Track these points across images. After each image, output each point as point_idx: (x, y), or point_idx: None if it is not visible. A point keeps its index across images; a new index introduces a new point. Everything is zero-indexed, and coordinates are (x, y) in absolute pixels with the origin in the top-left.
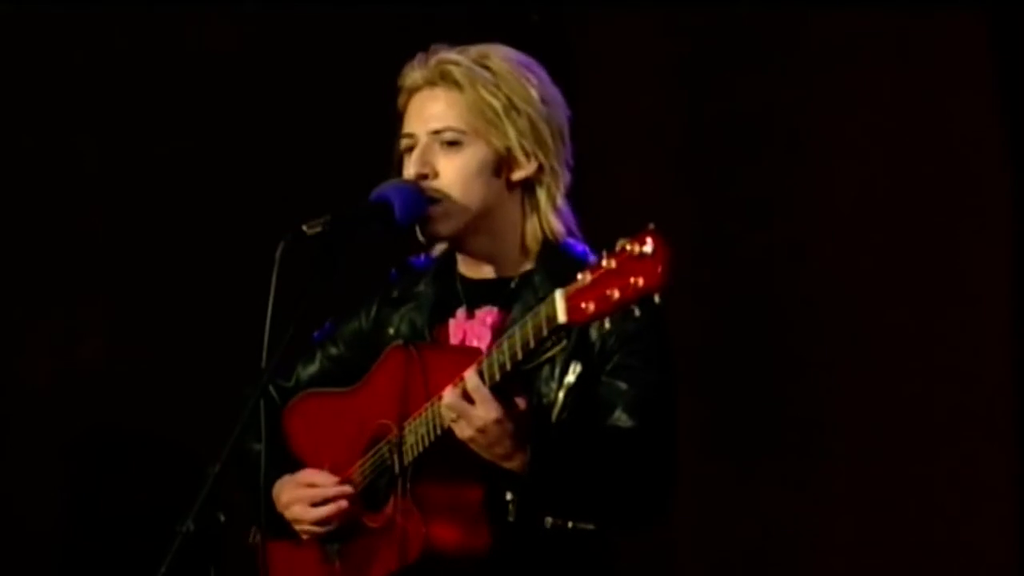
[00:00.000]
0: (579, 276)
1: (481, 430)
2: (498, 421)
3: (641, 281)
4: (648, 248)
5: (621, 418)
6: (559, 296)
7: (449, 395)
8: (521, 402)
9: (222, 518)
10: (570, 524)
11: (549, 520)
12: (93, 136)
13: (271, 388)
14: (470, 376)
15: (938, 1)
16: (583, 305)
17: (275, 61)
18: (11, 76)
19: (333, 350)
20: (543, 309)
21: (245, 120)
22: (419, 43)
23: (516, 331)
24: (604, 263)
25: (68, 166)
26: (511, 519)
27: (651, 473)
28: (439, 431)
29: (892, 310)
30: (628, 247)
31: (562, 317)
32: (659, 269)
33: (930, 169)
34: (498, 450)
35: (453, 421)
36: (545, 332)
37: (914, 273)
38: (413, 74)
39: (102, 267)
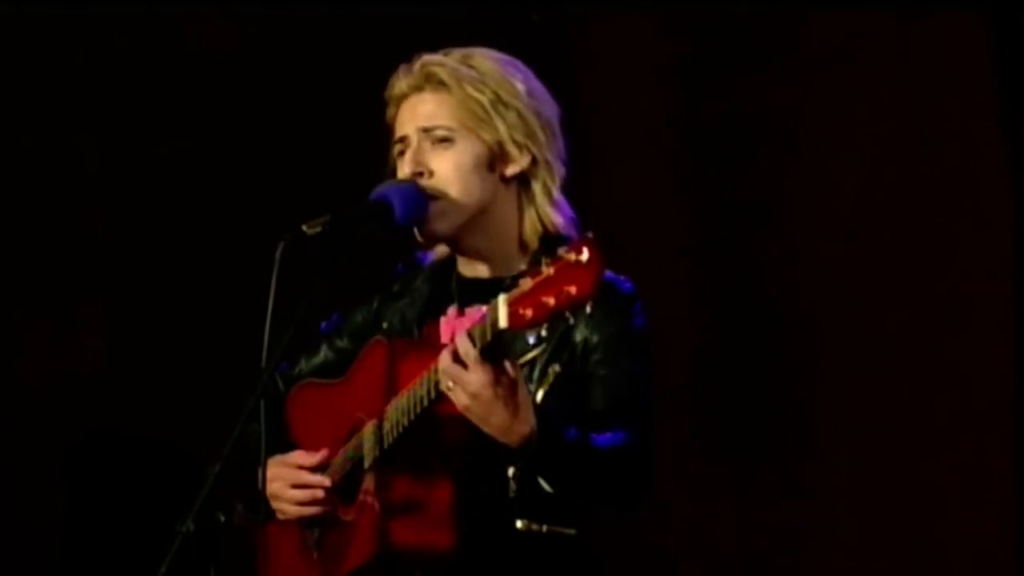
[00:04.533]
0: (520, 282)
1: (474, 395)
2: (491, 383)
3: (574, 289)
4: (584, 257)
5: (600, 401)
6: (502, 301)
7: (443, 359)
8: (511, 367)
9: (222, 518)
10: (544, 528)
11: (520, 523)
12: (93, 136)
13: (276, 377)
14: (461, 340)
15: (938, 1)
16: (521, 311)
17: (275, 61)
18: (11, 76)
19: (339, 342)
20: (489, 314)
21: (245, 120)
22: (419, 43)
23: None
24: (544, 270)
25: (68, 166)
26: (512, 495)
27: (635, 449)
28: (415, 414)
29: (892, 311)
30: (565, 255)
31: (503, 323)
32: (591, 278)
33: (929, 169)
34: (494, 420)
35: (449, 389)
36: (489, 336)
37: (914, 274)
38: (399, 83)
39: (102, 267)
